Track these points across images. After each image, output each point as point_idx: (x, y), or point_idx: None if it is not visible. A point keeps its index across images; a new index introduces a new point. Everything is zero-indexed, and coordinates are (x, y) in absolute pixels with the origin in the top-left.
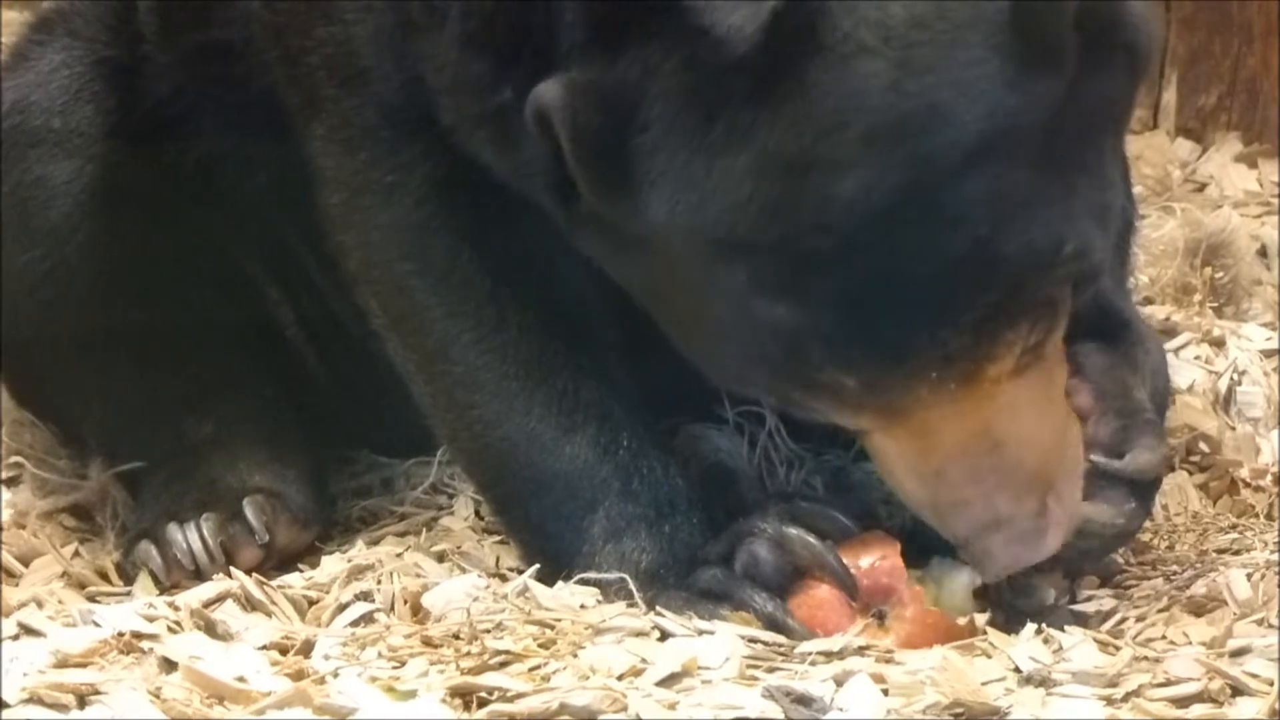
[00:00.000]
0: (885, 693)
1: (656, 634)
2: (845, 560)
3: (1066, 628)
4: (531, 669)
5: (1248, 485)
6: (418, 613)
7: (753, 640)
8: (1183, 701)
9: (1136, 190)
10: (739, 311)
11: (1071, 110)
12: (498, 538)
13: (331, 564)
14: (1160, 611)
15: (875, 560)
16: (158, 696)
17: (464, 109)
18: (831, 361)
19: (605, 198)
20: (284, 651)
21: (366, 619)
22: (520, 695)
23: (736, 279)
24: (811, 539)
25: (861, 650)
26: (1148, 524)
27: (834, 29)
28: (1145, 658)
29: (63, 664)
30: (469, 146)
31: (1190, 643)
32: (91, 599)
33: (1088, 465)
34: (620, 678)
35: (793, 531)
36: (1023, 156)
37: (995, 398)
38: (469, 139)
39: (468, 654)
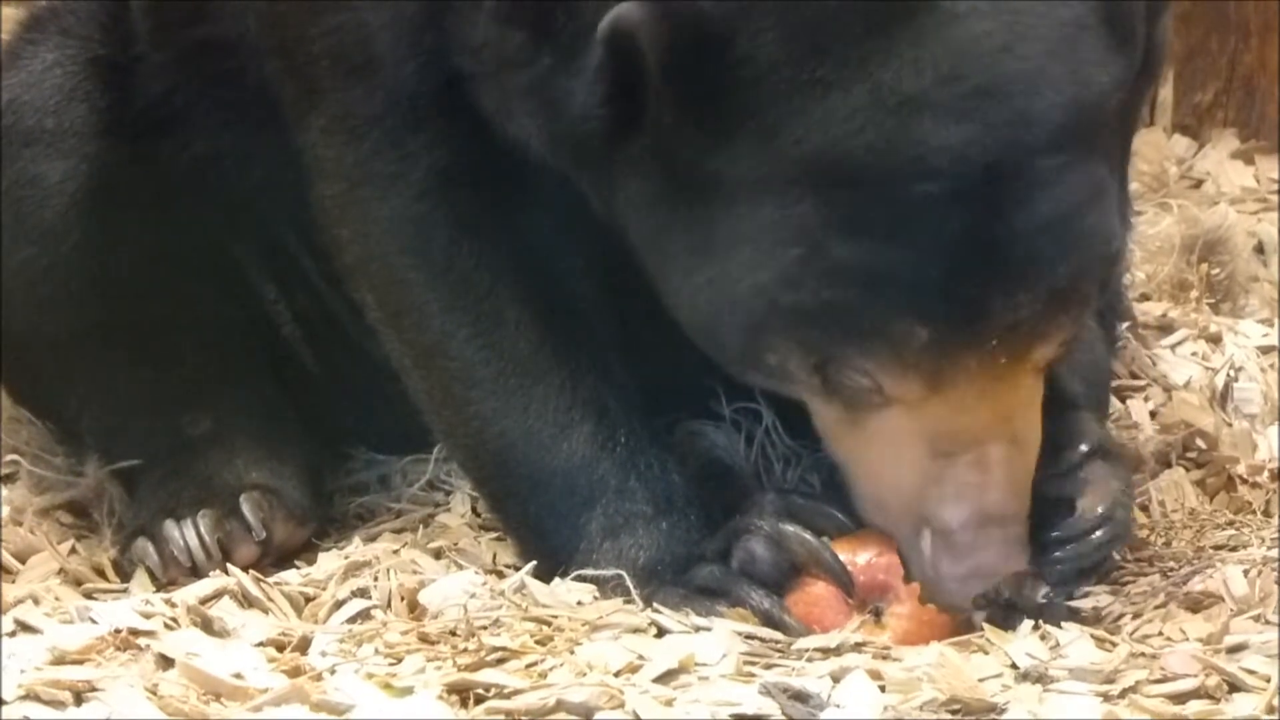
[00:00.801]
0: (882, 689)
1: (654, 630)
2: (841, 557)
3: (1063, 624)
4: (528, 666)
5: (1245, 481)
6: (414, 609)
7: (750, 637)
8: (1180, 698)
9: (1133, 187)
10: (814, 251)
11: (1131, 100)
12: (495, 534)
13: (328, 561)
14: (1157, 608)
15: (872, 557)
16: (155, 693)
17: (507, 85)
18: (909, 307)
19: (688, 124)
20: (281, 648)
21: (363, 616)
22: (517, 692)
23: (822, 215)
24: (808, 536)
25: (858, 647)
26: (1144, 520)
27: None
28: (1142, 654)
29: (60, 661)
30: (511, 127)
31: (1187, 639)
32: (88, 596)
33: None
34: (617, 674)
35: (789, 528)
36: (1098, 140)
37: (1021, 388)
38: (509, 118)
39: (465, 651)
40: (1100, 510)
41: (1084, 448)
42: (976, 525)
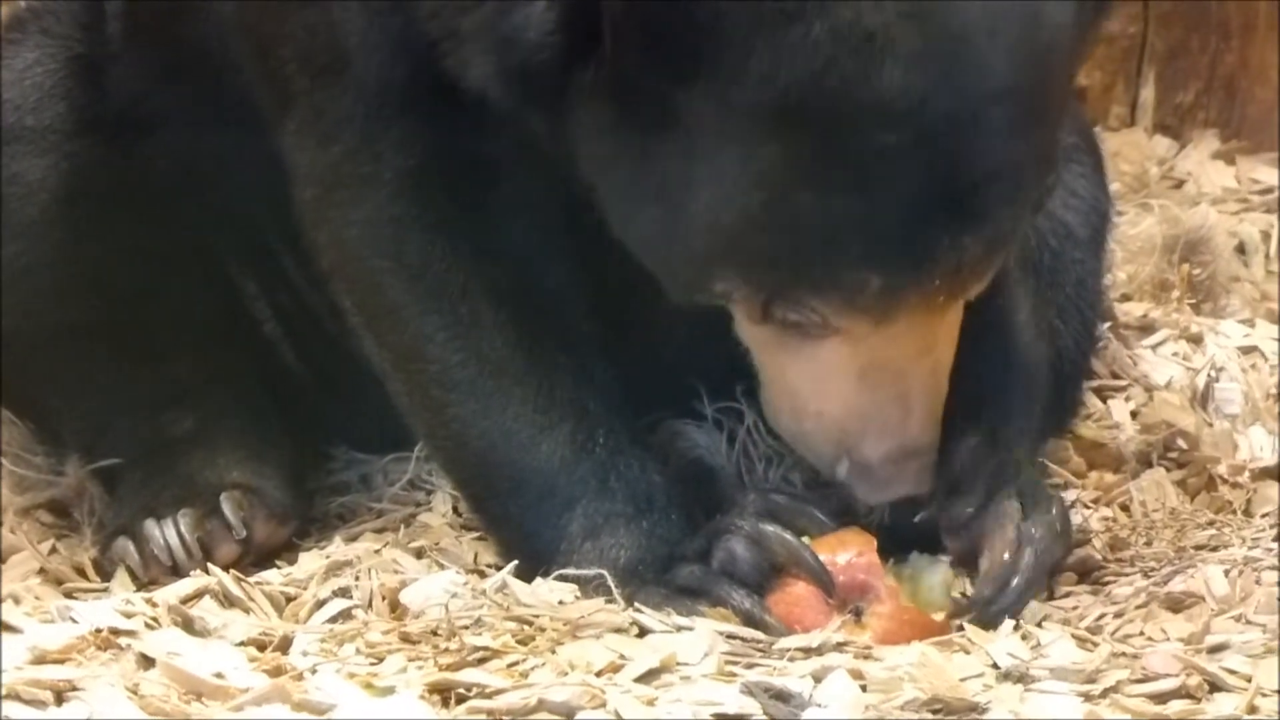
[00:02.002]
0: (864, 689)
1: (635, 630)
2: (822, 557)
3: (1045, 624)
4: (510, 665)
5: (1225, 482)
6: (396, 609)
7: (731, 636)
8: (1161, 698)
9: (1114, 187)
10: (773, 195)
11: (1081, 42)
12: (476, 534)
13: (309, 560)
14: (1138, 608)
15: (852, 557)
16: (135, 693)
17: (463, 29)
18: (864, 257)
19: (651, 61)
20: (262, 648)
21: (344, 615)
22: (499, 692)
23: (782, 159)
24: (788, 536)
25: (840, 646)
26: (1125, 520)
27: None
28: (1123, 654)
29: (40, 660)
30: (468, 75)
31: (1168, 639)
32: (69, 595)
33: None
34: (599, 674)
35: (770, 529)
36: (1055, 80)
37: (948, 318)
38: (468, 66)
39: (446, 650)
40: (1005, 559)
41: (976, 497)
42: (894, 459)
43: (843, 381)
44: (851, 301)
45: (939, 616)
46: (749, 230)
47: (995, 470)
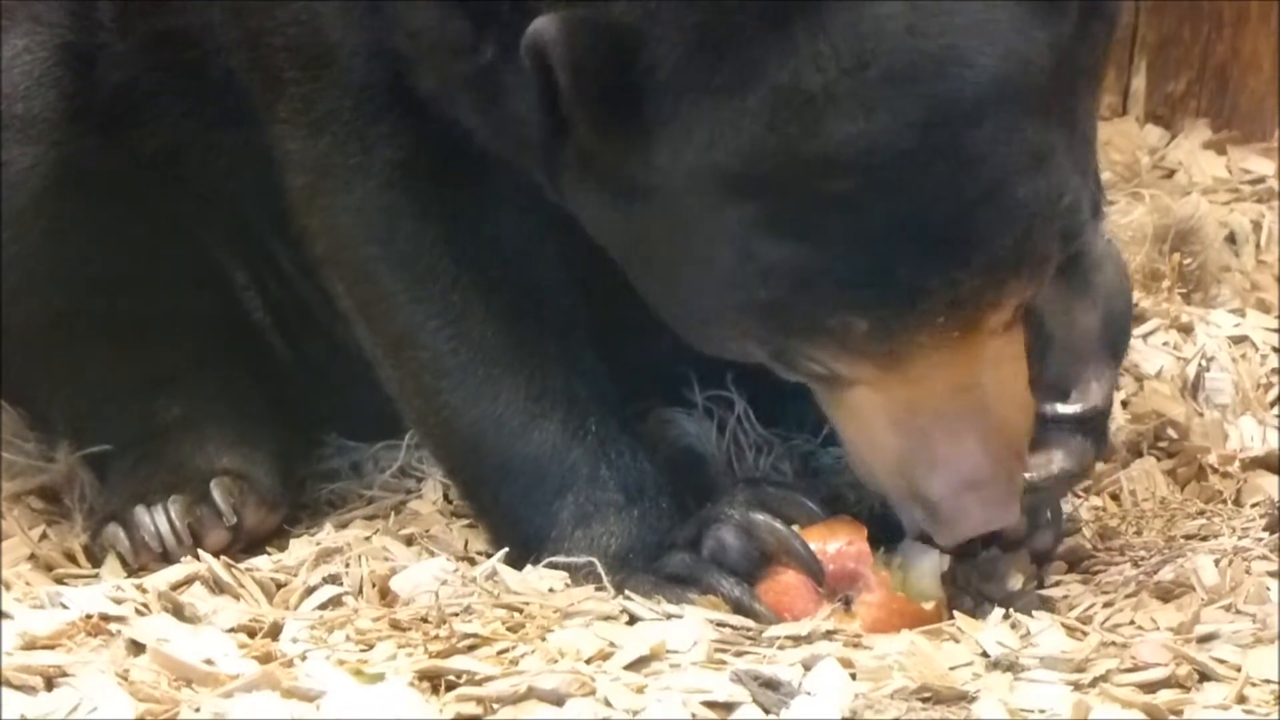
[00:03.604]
0: (853, 677)
1: (625, 618)
2: (812, 546)
3: (1034, 613)
4: (500, 652)
5: (1215, 471)
6: (386, 596)
7: (721, 624)
8: (1150, 687)
9: (1105, 177)
10: (743, 255)
11: (1070, 61)
12: (466, 521)
13: (299, 547)
14: (1128, 597)
15: (842, 545)
16: (126, 679)
17: (444, 71)
18: (843, 303)
19: (606, 137)
20: (252, 634)
21: (334, 602)
22: (488, 678)
23: (745, 220)
24: (778, 525)
25: (829, 635)
26: (1115, 509)
27: None
28: (1113, 643)
29: (30, 646)
30: (449, 111)
31: (1158, 628)
32: (59, 581)
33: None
34: (588, 661)
35: (759, 517)
36: (1031, 104)
37: (985, 351)
38: (450, 104)
39: (436, 637)
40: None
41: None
42: (958, 494)
43: (883, 429)
44: (845, 349)
45: (929, 605)
46: (728, 289)
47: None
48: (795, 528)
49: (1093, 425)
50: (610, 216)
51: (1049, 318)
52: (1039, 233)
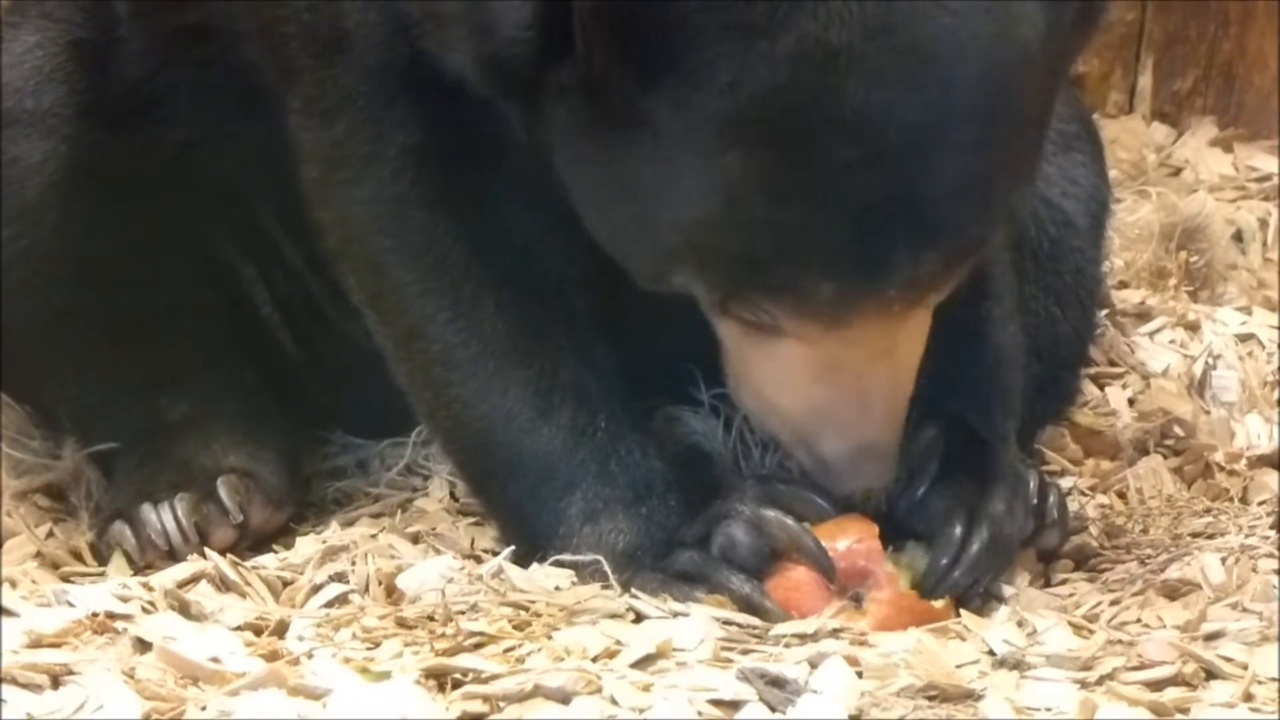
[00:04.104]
0: (859, 675)
1: (631, 616)
2: (822, 542)
3: (1041, 611)
4: (506, 650)
5: (1222, 469)
6: (392, 594)
7: (727, 623)
8: (1156, 685)
9: (1111, 174)
10: (734, 203)
11: (1060, 55)
12: (472, 519)
13: (306, 545)
14: (1134, 595)
15: (852, 542)
16: (132, 677)
17: (442, 13)
18: (816, 266)
19: (619, 65)
20: (258, 632)
21: (341, 600)
22: (494, 677)
23: (744, 169)
24: (789, 521)
25: (835, 633)
26: (1122, 507)
27: None
28: (1119, 641)
29: (36, 644)
30: (448, 59)
31: (1164, 626)
32: (65, 579)
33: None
34: (595, 659)
35: (770, 514)
36: (1025, 98)
37: (911, 322)
38: (447, 50)
39: (442, 635)
40: (956, 536)
41: (924, 480)
42: (852, 454)
43: (799, 381)
44: (804, 307)
45: (939, 603)
46: (707, 232)
47: (954, 454)
48: (805, 525)
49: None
50: (593, 145)
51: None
52: (998, 220)
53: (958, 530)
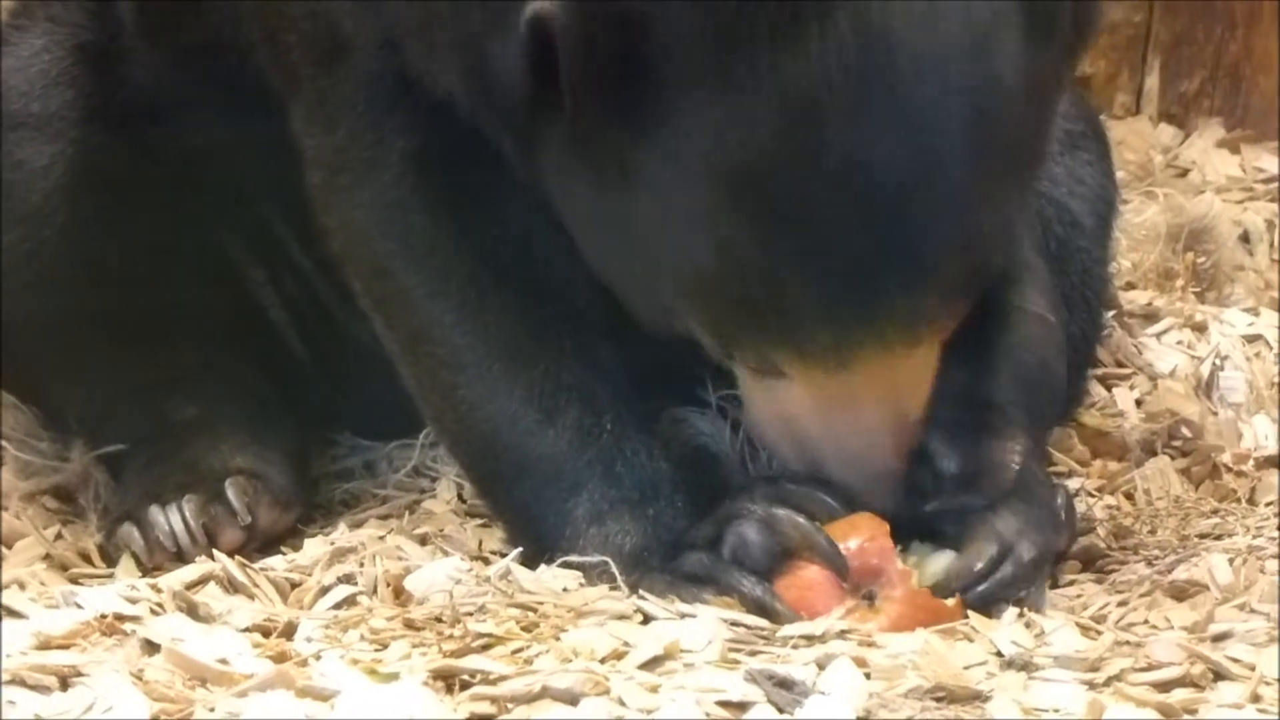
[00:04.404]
0: (867, 676)
1: (639, 617)
2: (834, 541)
3: (1048, 612)
4: (514, 652)
5: (1229, 470)
6: (400, 595)
7: (735, 624)
8: (1164, 686)
9: (1118, 176)
10: (720, 247)
11: (1048, 88)
12: (480, 521)
13: (314, 546)
14: (1142, 596)
15: (864, 541)
16: (140, 678)
17: (433, 40)
18: (810, 309)
19: (606, 120)
20: (266, 634)
21: (349, 602)
22: (502, 678)
23: (729, 213)
24: (801, 520)
25: (843, 634)
26: (1129, 508)
27: None
28: (1127, 642)
29: (45, 646)
30: (438, 83)
31: (1172, 627)
32: (74, 581)
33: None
34: (602, 661)
35: (781, 512)
36: (1013, 133)
37: (915, 359)
38: (437, 74)
39: (450, 637)
40: (989, 554)
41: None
42: (859, 486)
43: (804, 421)
44: (804, 354)
45: (951, 601)
46: (701, 283)
47: (977, 468)
48: (817, 523)
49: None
50: (586, 192)
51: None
52: (994, 258)
53: (992, 546)
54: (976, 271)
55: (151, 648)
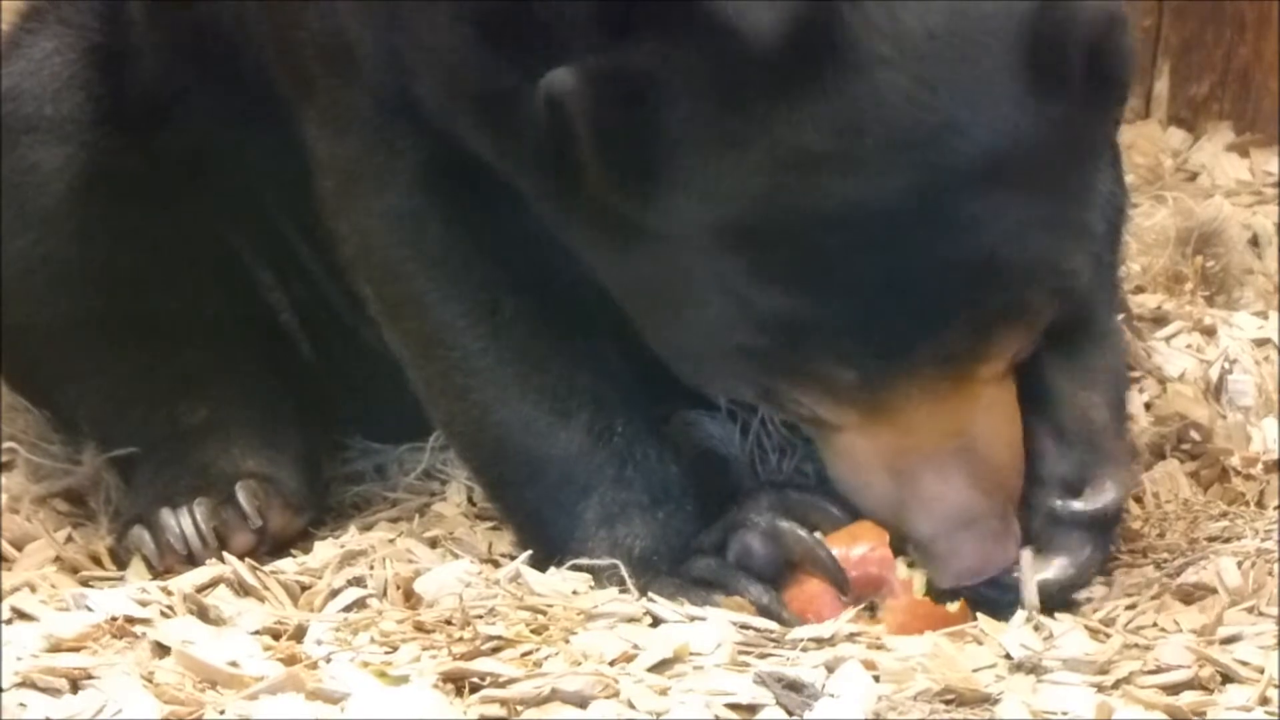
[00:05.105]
0: (876, 679)
1: (648, 620)
2: (835, 551)
3: (1057, 615)
4: (523, 655)
5: (1239, 473)
6: (410, 598)
7: (744, 627)
8: (1173, 689)
9: (1128, 179)
10: (738, 302)
11: (1068, 134)
12: (490, 523)
13: (324, 549)
14: (1151, 599)
15: (865, 551)
16: (150, 681)
17: (456, 91)
18: (832, 354)
19: (618, 186)
20: (276, 636)
21: (359, 604)
22: (512, 681)
23: (740, 269)
24: (804, 533)
25: (852, 637)
26: (1138, 511)
27: (852, 36)
28: (1136, 645)
29: (56, 648)
30: (455, 129)
31: (1181, 630)
32: (84, 583)
33: (1047, 509)
34: (612, 663)
35: (785, 525)
36: (1025, 174)
37: (977, 399)
38: (455, 121)
39: (460, 639)
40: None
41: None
42: (949, 532)
43: (871, 472)
44: (832, 396)
45: (953, 607)
46: (721, 333)
47: (1088, 479)
48: (819, 534)
49: (1101, 527)
50: (611, 256)
51: (1059, 407)
52: (1029, 294)
53: (1087, 550)
54: (1011, 300)
55: (162, 650)
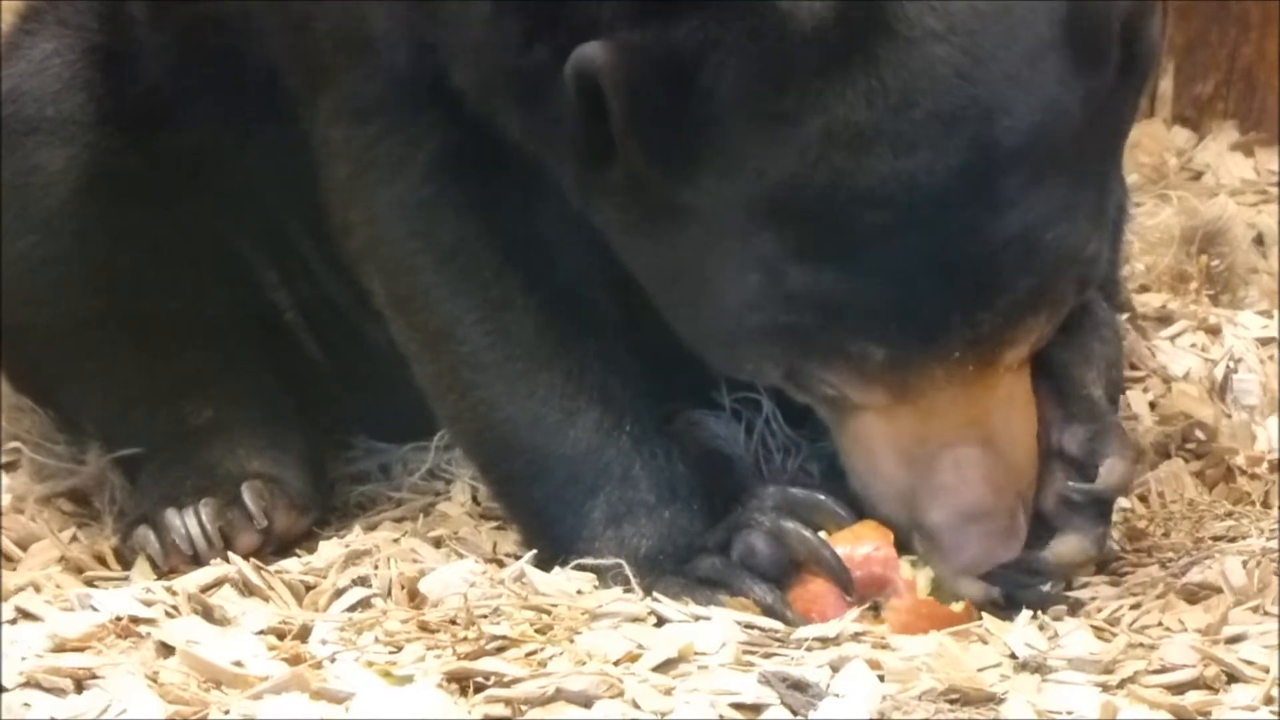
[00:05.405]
0: (881, 679)
1: (653, 619)
2: (839, 551)
3: (1063, 614)
4: (528, 654)
5: (1243, 473)
6: (414, 598)
7: (749, 626)
8: (1178, 688)
9: (1132, 179)
10: (772, 278)
11: (1102, 117)
12: (494, 523)
13: (329, 549)
14: (1156, 599)
15: (869, 550)
16: (155, 681)
17: (487, 67)
18: (864, 331)
19: (654, 162)
20: (281, 636)
21: (363, 604)
22: (516, 680)
23: (778, 245)
24: (807, 534)
25: (857, 636)
26: (1143, 510)
27: (901, 12)
28: (1141, 644)
29: (60, 648)
30: (483, 107)
31: (1186, 630)
32: (89, 583)
33: (1060, 488)
34: (617, 663)
35: (789, 525)
36: (1066, 156)
37: (998, 388)
38: (485, 99)
39: (464, 639)
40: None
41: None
42: (959, 524)
43: (887, 452)
44: (861, 375)
45: (957, 606)
46: (751, 311)
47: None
48: (823, 534)
49: (1106, 508)
50: (641, 235)
51: (1063, 384)
52: (1061, 278)
53: (1100, 528)
54: (1042, 287)
55: (167, 650)
